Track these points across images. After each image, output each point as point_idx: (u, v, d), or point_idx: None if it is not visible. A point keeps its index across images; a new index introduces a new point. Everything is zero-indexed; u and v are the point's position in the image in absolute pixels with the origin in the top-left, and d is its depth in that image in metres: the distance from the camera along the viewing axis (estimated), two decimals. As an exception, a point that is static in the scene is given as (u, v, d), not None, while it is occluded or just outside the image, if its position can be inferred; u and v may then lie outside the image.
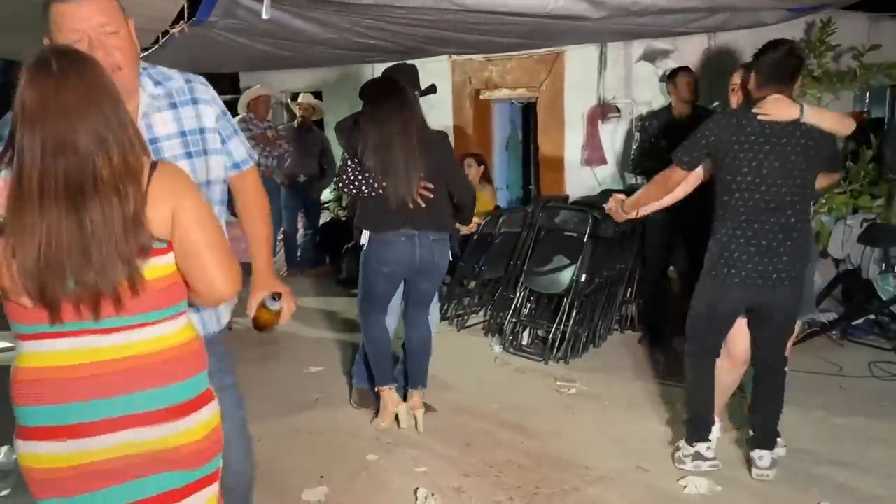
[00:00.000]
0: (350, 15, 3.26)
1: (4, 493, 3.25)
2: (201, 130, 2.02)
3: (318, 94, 8.52)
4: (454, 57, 7.18)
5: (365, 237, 3.72)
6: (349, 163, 3.69)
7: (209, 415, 1.73)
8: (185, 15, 3.28)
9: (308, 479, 3.33)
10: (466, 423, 3.97)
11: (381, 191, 3.61)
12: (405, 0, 2.81)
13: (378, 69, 7.39)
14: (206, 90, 2.06)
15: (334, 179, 3.81)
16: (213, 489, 1.78)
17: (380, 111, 3.61)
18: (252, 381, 4.57)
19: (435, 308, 4.18)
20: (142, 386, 1.62)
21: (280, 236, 7.70)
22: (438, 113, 7.26)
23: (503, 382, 4.64)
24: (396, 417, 3.90)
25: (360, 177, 3.63)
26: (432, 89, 4.23)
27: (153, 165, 1.63)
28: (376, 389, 3.97)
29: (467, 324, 5.78)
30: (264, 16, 2.53)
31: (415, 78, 4.09)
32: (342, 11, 3.06)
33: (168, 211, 1.61)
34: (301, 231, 8.01)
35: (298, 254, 7.92)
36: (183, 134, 1.99)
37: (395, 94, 3.65)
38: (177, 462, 1.67)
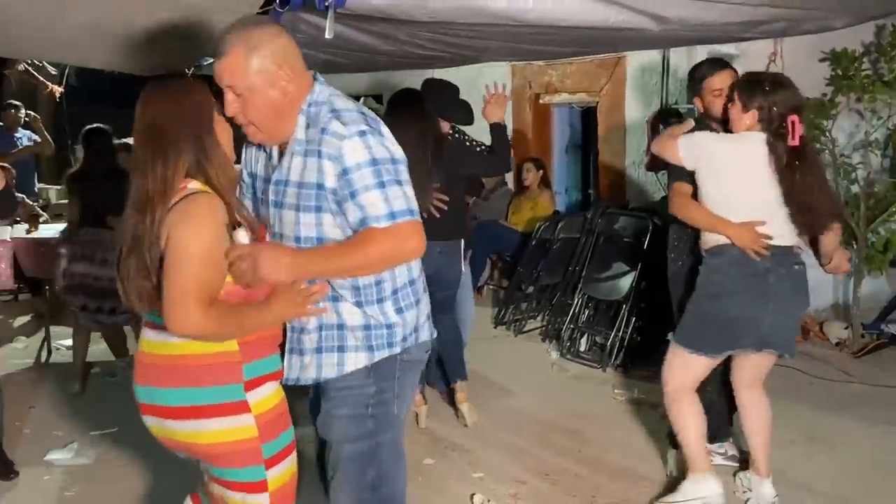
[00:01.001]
0: (410, 28, 3.31)
1: (73, 491, 3.39)
2: (319, 186, 1.91)
3: (378, 98, 8.62)
4: (514, 61, 7.18)
5: None
6: None
7: (219, 427, 1.84)
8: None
9: (366, 481, 3.39)
10: (523, 429, 3.98)
11: None
12: (465, 17, 2.84)
13: (438, 74, 7.45)
14: (334, 144, 1.88)
15: None
16: (242, 498, 1.89)
17: (395, 122, 3.64)
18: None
19: (467, 306, 4.24)
20: (161, 382, 1.86)
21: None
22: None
23: (560, 389, 4.64)
24: (417, 417, 4.01)
25: None
26: (466, 119, 4.08)
27: (191, 194, 1.81)
28: None
29: (524, 329, 5.79)
30: (327, 35, 2.58)
31: (449, 97, 4.01)
32: (402, 25, 3.12)
33: (165, 236, 1.79)
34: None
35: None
36: (300, 185, 1.94)
37: (411, 104, 3.67)
38: (191, 452, 1.92)
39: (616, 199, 6.63)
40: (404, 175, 1.94)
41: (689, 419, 3.07)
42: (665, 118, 6.40)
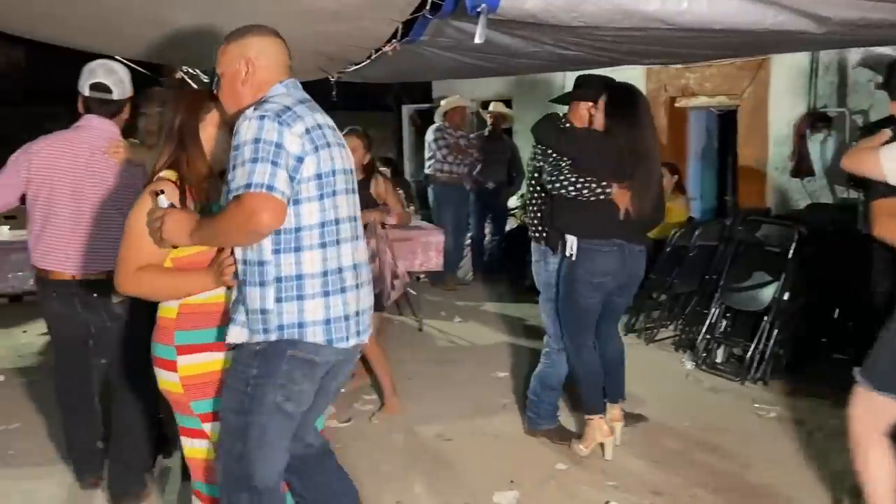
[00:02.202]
0: (557, 33, 3.29)
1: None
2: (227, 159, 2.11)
3: (507, 102, 8.65)
4: (650, 64, 7.03)
5: (572, 246, 3.48)
6: (564, 161, 3.53)
7: (161, 377, 2.27)
8: (399, 35, 3.45)
9: (498, 482, 3.40)
10: (657, 440, 3.89)
11: (601, 196, 3.45)
12: (617, 20, 2.78)
13: (570, 77, 7.38)
14: (238, 123, 2.04)
15: (545, 176, 3.58)
16: (188, 443, 2.31)
17: (635, 118, 3.48)
18: (439, 381, 4.71)
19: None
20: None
21: (468, 241, 7.90)
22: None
23: (696, 400, 4.50)
24: (602, 448, 3.69)
25: (571, 177, 3.45)
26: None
27: (151, 181, 2.23)
28: (586, 418, 3.68)
29: (656, 338, 5.66)
30: (477, 40, 2.59)
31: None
32: (550, 29, 3.11)
33: None
34: (487, 237, 8.18)
35: (484, 258, 8.09)
36: None
37: (639, 101, 3.57)
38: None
39: (756, 206, 6.38)
40: (283, 161, 1.98)
41: (875, 469, 2.72)
42: (813, 122, 6.13)
